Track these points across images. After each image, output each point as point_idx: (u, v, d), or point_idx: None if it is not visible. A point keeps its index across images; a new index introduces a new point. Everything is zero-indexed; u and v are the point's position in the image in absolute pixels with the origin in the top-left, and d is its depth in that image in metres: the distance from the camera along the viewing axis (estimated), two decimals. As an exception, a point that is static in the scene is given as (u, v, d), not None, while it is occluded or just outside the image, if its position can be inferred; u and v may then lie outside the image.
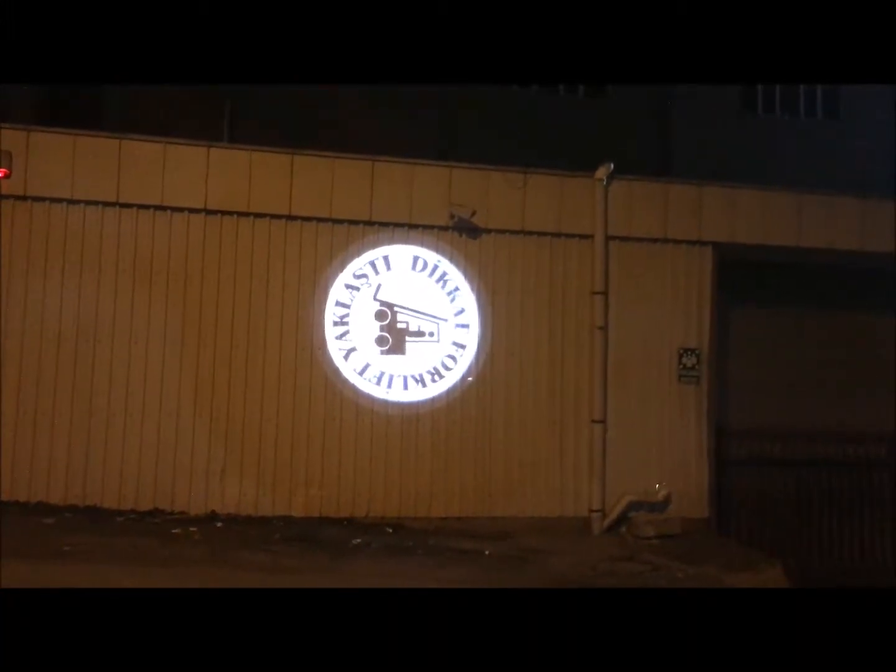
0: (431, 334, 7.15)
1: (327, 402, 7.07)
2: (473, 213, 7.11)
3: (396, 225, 7.22)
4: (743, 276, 7.73)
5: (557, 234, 7.43)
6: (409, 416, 7.16)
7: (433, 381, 7.13)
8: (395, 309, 7.16)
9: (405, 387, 7.12)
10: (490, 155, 7.49)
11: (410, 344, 7.13)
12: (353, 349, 7.09)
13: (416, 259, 7.22)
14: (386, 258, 7.16)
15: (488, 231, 7.33)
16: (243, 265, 7.02)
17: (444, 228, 7.27)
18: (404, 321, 7.20)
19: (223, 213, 6.98)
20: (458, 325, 7.25)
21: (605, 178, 7.40)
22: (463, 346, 7.20)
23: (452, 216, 7.15)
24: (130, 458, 6.76)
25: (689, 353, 7.52)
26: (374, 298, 7.14)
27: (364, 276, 7.14)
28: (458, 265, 7.31)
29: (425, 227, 7.26)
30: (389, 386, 7.05)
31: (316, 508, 6.98)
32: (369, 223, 7.19)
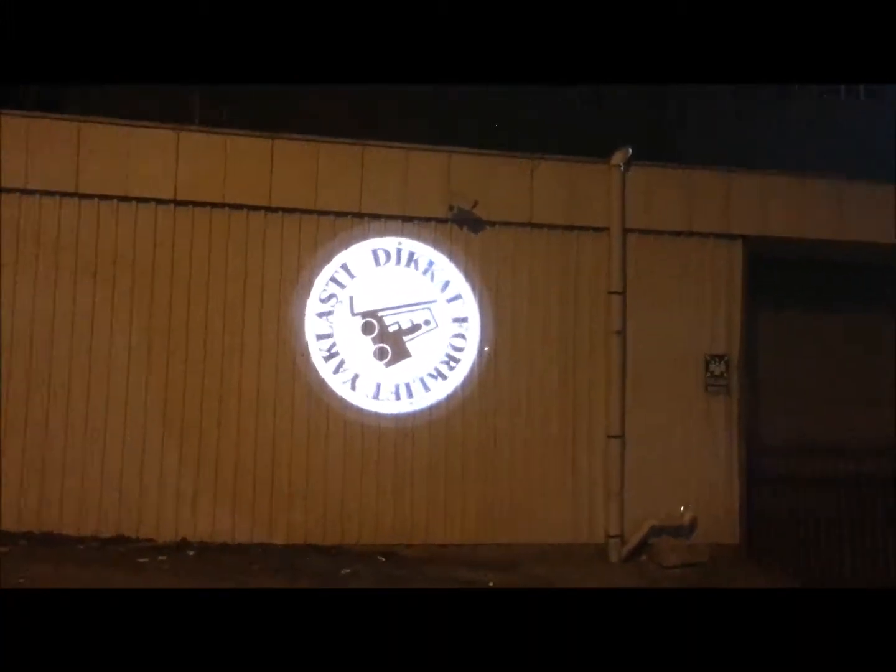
0: (427, 322, 6.68)
1: (311, 414, 6.57)
2: (475, 204, 6.64)
3: (389, 217, 6.73)
4: (777, 273, 7.26)
5: (569, 227, 6.94)
6: (405, 430, 6.68)
7: (451, 368, 6.69)
8: (380, 314, 6.67)
9: (426, 388, 6.67)
10: (487, 141, 7.00)
11: (412, 342, 6.66)
12: (356, 376, 6.61)
13: (375, 253, 6.71)
14: (345, 266, 6.66)
15: (492, 224, 6.84)
16: (218, 262, 6.53)
17: (443, 221, 6.78)
18: (394, 322, 6.70)
19: (195, 204, 6.50)
20: (449, 300, 6.76)
21: (621, 164, 6.91)
22: (465, 319, 6.73)
23: (451, 207, 6.67)
24: (91, 479, 6.27)
25: (717, 359, 7.02)
26: (353, 314, 6.64)
27: (331, 296, 6.64)
28: (457, 262, 6.81)
29: (421, 219, 6.77)
30: (410, 395, 6.62)
31: (300, 535, 6.49)
32: (358, 215, 6.70)
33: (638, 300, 6.99)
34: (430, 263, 6.76)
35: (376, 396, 6.60)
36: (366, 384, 6.62)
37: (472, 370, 6.75)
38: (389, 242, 6.73)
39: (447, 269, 6.78)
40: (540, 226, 6.90)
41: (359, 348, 6.63)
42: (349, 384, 6.59)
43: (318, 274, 6.65)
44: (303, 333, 6.59)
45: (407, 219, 6.76)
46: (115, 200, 6.43)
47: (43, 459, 6.25)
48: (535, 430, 6.83)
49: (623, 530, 6.78)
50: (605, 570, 6.58)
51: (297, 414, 6.56)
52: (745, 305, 7.14)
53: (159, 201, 6.47)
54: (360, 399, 6.60)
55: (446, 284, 6.80)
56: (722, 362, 7.03)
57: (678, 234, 7.08)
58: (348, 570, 6.10)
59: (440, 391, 6.69)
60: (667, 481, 6.90)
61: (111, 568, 5.78)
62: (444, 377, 6.70)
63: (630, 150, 6.90)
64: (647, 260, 7.04)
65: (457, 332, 6.75)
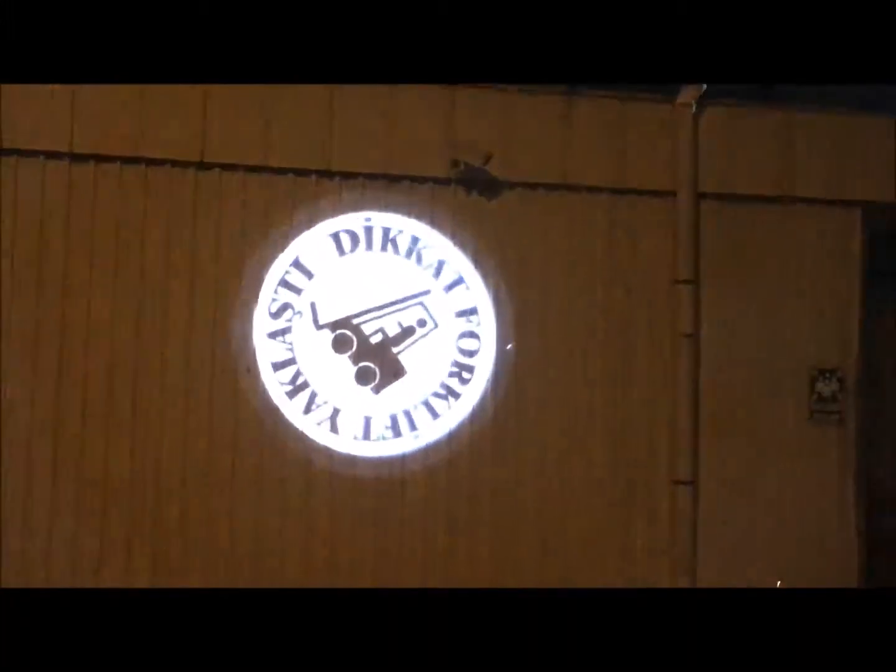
0: (423, 322, 4.99)
1: (261, 455, 4.83)
2: (488, 159, 4.98)
3: (368, 176, 4.99)
4: None
5: (619, 191, 5.18)
6: (405, 476, 4.89)
7: (463, 381, 4.98)
8: (355, 321, 4.93)
9: (433, 413, 4.93)
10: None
11: (405, 354, 4.95)
12: (336, 412, 4.88)
13: (336, 238, 4.95)
14: (297, 263, 4.91)
15: (511, 186, 5.08)
16: (131, 239, 4.81)
17: (444, 182, 5.03)
18: (377, 329, 4.94)
19: (98, 158, 4.78)
20: (448, 288, 5.02)
21: (693, 102, 5.18)
22: (473, 311, 5.04)
23: (456, 163, 4.99)
24: (-46, 541, 4.59)
25: (827, 376, 5.24)
26: (319, 326, 4.91)
27: (285, 307, 4.88)
28: (463, 240, 5.05)
29: (413, 179, 5.01)
30: (413, 427, 4.91)
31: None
32: (327, 174, 4.94)
33: (715, 292, 5.21)
34: (415, 241, 5.01)
35: (366, 436, 4.88)
36: (351, 421, 4.89)
37: (490, 383, 4.99)
38: (353, 221, 4.97)
39: (438, 247, 5.03)
40: (579, 188, 5.12)
41: (334, 373, 4.90)
42: (328, 424, 4.86)
43: (269, 267, 4.90)
44: (251, 333, 4.86)
45: (394, 179, 5.01)
46: (-13, 154, 4.75)
47: None
48: (571, 475, 5.05)
49: (695, 613, 5.00)
50: None
51: (244, 471, 4.80)
52: (865, 301, 5.36)
53: (50, 155, 4.75)
54: (346, 442, 4.87)
55: (440, 266, 5.03)
56: (833, 380, 5.25)
57: (773, 200, 5.27)
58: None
59: (452, 416, 4.94)
60: (756, 544, 5.14)
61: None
62: (455, 395, 4.96)
63: (704, 86, 5.15)
64: (729, 236, 5.25)
65: (464, 329, 5.02)
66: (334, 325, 4.91)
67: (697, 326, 5.16)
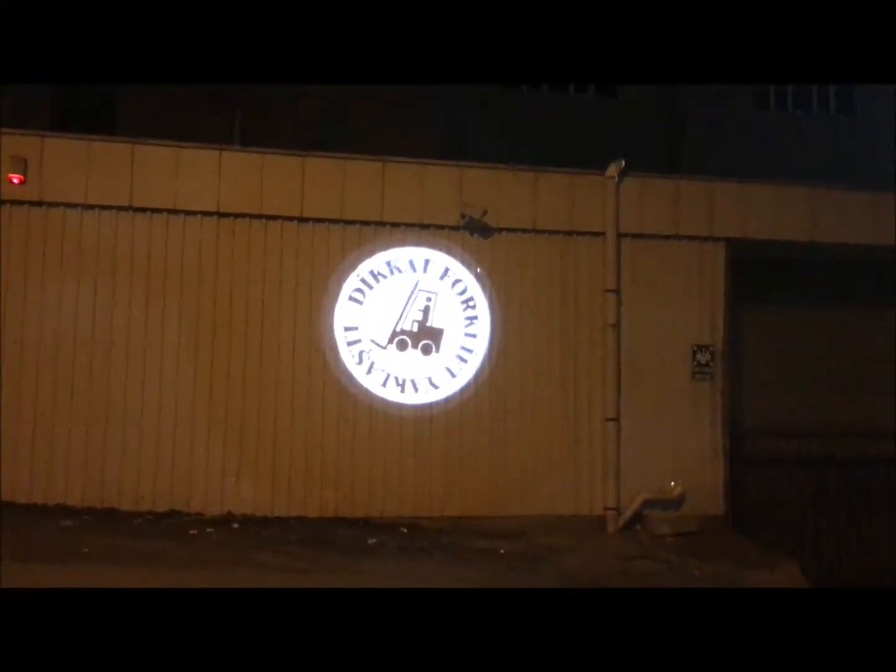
0: (429, 298, 7.46)
1: (340, 403, 7.38)
2: (484, 213, 7.41)
3: (408, 225, 7.54)
4: (756, 272, 7.96)
5: (569, 233, 7.73)
6: (423, 416, 7.48)
7: (472, 307, 7.51)
8: (398, 328, 7.46)
9: (473, 335, 7.49)
10: (498, 154, 7.75)
11: (434, 321, 7.45)
12: (430, 380, 7.42)
13: (354, 299, 7.54)
14: (347, 328, 7.39)
15: (499, 230, 7.64)
16: (256, 267, 7.35)
17: (455, 228, 7.59)
18: (411, 322, 7.50)
19: (235, 215, 7.31)
20: (424, 269, 7.45)
21: (616, 175, 7.69)
22: (448, 270, 7.47)
23: (463, 216, 7.46)
24: (147, 460, 7.09)
25: (703, 350, 7.78)
26: (384, 347, 7.43)
27: (360, 354, 7.38)
28: (468, 265, 7.62)
29: (436, 226, 7.58)
30: (464, 361, 7.46)
31: (331, 509, 7.32)
32: (381, 224, 7.51)
33: (631, 297, 7.75)
34: (388, 264, 7.48)
35: (454, 375, 7.44)
36: (442, 378, 7.45)
37: (492, 322, 7.53)
38: (355, 282, 7.42)
39: (403, 256, 7.41)
40: (543, 231, 7.69)
41: (409, 362, 7.45)
42: (430, 388, 7.41)
43: (346, 276, 7.48)
44: (331, 328, 7.38)
45: (424, 226, 7.56)
46: (165, 213, 7.24)
47: (104, 444, 7.05)
48: (540, 414, 7.61)
49: (619, 503, 7.55)
50: (603, 539, 7.33)
51: (328, 395, 7.37)
52: (728, 301, 7.90)
53: (204, 213, 7.29)
54: (446, 388, 7.46)
55: (412, 264, 7.51)
56: (707, 352, 7.77)
57: (667, 237, 7.84)
58: (374, 540, 6.81)
59: (482, 344, 7.52)
60: (658, 459, 7.67)
61: (165, 539, 6.46)
62: (475, 319, 7.51)
63: (623, 163, 7.68)
64: (640, 261, 7.81)
65: (452, 281, 7.47)
66: (391, 338, 7.47)
67: (619, 319, 7.66)
